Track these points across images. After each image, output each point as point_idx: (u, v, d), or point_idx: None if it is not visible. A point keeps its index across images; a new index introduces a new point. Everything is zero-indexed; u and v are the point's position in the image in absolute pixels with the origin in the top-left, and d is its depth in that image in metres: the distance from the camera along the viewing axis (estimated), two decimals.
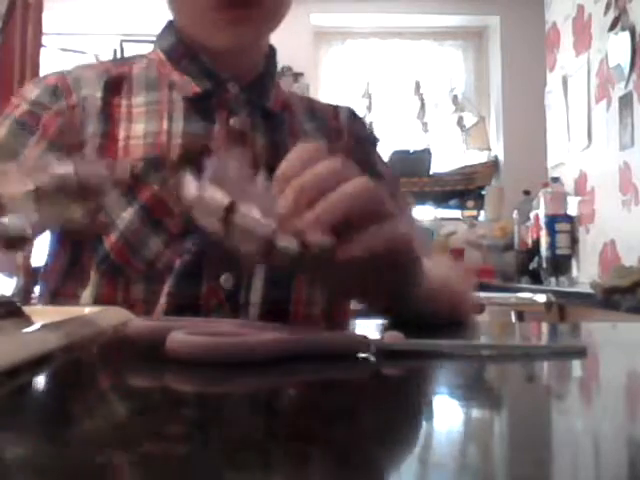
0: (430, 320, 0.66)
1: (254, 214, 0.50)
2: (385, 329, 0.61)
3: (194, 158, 0.72)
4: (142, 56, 0.90)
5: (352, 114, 0.98)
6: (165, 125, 0.80)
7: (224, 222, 0.50)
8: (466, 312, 0.80)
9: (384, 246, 0.53)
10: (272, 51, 0.91)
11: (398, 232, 0.55)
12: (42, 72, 3.27)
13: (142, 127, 0.80)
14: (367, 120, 3.92)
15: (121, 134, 0.80)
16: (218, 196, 0.50)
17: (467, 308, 0.81)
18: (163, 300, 0.77)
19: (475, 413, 0.35)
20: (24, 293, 0.92)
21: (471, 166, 3.91)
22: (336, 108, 0.98)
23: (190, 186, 0.51)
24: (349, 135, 0.95)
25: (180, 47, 0.85)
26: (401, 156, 3.75)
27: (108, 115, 0.81)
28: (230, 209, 0.50)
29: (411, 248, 0.59)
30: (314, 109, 0.96)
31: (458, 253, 3.58)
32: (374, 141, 0.99)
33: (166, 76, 0.85)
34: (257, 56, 0.88)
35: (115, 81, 0.84)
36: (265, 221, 0.50)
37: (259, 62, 0.88)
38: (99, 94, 0.82)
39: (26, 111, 0.82)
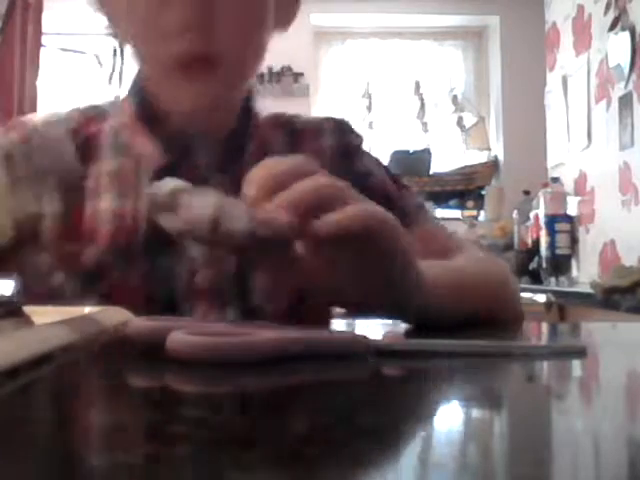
0: (461, 322, 0.63)
1: (197, 201, 0.51)
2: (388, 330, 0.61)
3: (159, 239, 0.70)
4: (115, 104, 0.85)
5: (340, 128, 0.92)
6: (130, 203, 0.76)
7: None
8: (504, 313, 0.76)
9: (355, 225, 0.51)
10: (248, 101, 0.84)
11: (369, 211, 0.53)
12: (42, 72, 3.27)
13: (108, 203, 0.77)
14: (363, 127, 3.92)
15: (88, 209, 0.77)
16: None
17: (506, 308, 0.77)
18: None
19: (475, 413, 0.35)
20: (24, 293, 0.92)
21: (471, 166, 3.91)
22: (321, 125, 0.91)
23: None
24: (334, 152, 0.89)
25: (147, 109, 0.80)
26: (401, 156, 3.75)
27: (74, 185, 0.77)
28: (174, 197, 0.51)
29: (391, 234, 0.55)
30: (294, 134, 0.89)
31: None
32: (363, 151, 0.95)
33: (133, 143, 0.80)
34: (228, 112, 0.82)
35: (84, 145, 0.80)
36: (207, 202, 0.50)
37: (231, 118, 0.82)
38: (67, 161, 0.78)
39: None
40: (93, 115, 0.83)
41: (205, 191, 0.52)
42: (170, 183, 0.52)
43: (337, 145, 0.90)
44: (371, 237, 0.53)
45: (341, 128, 0.93)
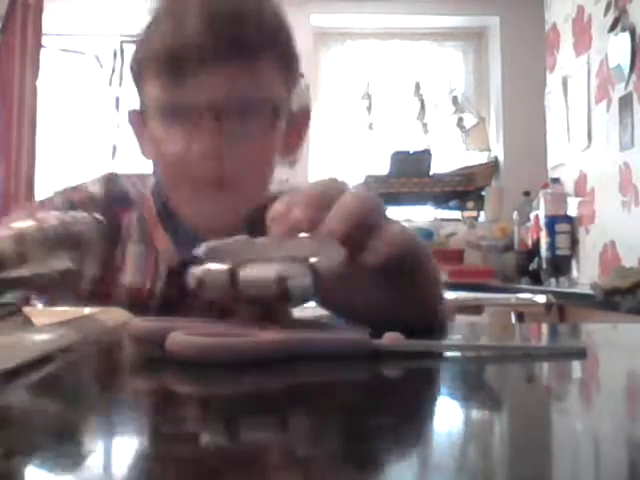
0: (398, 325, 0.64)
1: (256, 271, 0.49)
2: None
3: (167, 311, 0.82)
4: (143, 196, 0.93)
5: None
6: (148, 284, 0.89)
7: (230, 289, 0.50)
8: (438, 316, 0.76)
9: (394, 251, 0.53)
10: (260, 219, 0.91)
11: (404, 235, 0.55)
12: (42, 73, 3.27)
13: (129, 279, 0.89)
14: (363, 128, 3.91)
15: (113, 280, 0.89)
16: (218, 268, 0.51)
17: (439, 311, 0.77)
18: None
19: (475, 414, 0.35)
20: (24, 294, 0.94)
21: (471, 167, 3.91)
22: None
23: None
24: None
25: (167, 210, 0.90)
26: (401, 157, 3.75)
27: (105, 260, 0.89)
28: (232, 275, 0.50)
29: (422, 255, 0.59)
30: None
31: (458, 254, 3.58)
32: None
33: (154, 237, 0.91)
34: (239, 226, 0.87)
35: (113, 227, 0.90)
36: (268, 272, 0.49)
37: (241, 231, 0.89)
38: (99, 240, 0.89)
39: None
40: (122, 202, 0.93)
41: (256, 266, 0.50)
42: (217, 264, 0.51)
43: None
44: (405, 261, 0.55)
45: None
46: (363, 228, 0.52)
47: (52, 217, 0.86)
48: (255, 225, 0.90)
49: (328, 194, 0.52)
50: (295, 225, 0.51)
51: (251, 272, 0.49)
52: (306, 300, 0.50)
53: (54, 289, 0.87)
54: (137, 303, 0.86)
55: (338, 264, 0.49)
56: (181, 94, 0.80)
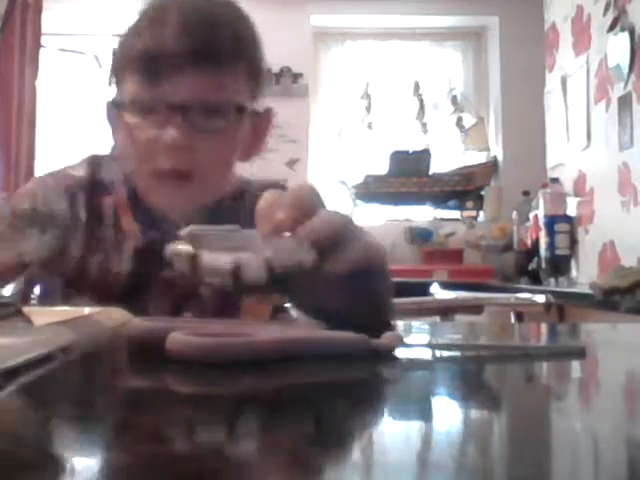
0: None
1: (215, 259, 0.58)
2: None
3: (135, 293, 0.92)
4: (118, 181, 0.98)
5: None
6: (115, 266, 0.94)
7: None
8: (388, 316, 0.79)
9: (362, 260, 0.65)
10: (224, 207, 0.99)
11: (369, 246, 0.67)
12: (41, 72, 3.27)
13: (97, 261, 0.94)
14: (363, 128, 3.91)
15: (89, 262, 0.95)
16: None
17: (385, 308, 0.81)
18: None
19: (475, 413, 0.35)
20: (23, 294, 0.95)
21: (470, 167, 3.91)
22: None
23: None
24: None
25: (136, 196, 0.97)
26: (400, 157, 3.75)
27: (84, 240, 0.95)
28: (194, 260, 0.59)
29: (382, 263, 0.73)
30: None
31: (457, 254, 3.58)
32: None
33: (122, 220, 0.97)
34: (204, 212, 0.96)
35: (93, 210, 0.97)
36: (227, 259, 0.58)
37: (206, 217, 0.95)
38: (82, 218, 0.96)
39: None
40: (103, 186, 0.99)
41: (223, 240, 0.60)
42: (189, 237, 0.61)
43: None
44: (368, 271, 0.67)
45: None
46: (334, 239, 0.62)
47: (24, 201, 0.93)
48: (217, 214, 0.96)
49: (309, 200, 0.64)
50: (279, 225, 0.61)
51: (211, 259, 0.59)
52: (258, 291, 0.60)
53: (26, 270, 0.93)
54: (106, 285, 0.93)
55: (300, 264, 0.58)
56: (155, 92, 0.88)
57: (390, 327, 0.72)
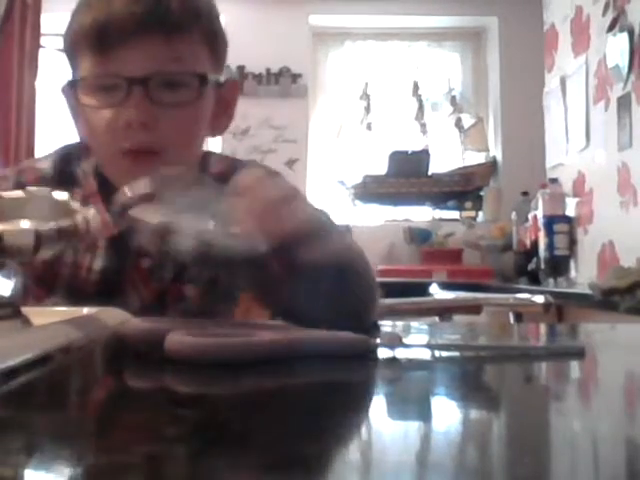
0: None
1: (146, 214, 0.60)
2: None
3: (110, 289, 0.89)
4: (86, 174, 0.95)
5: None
6: (87, 261, 0.92)
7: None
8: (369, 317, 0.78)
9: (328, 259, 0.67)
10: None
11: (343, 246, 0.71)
12: (40, 73, 3.26)
13: (72, 257, 0.91)
14: (362, 128, 3.92)
15: (58, 259, 0.91)
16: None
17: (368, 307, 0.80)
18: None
19: (474, 413, 0.35)
20: (23, 294, 0.94)
21: (469, 167, 3.91)
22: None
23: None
24: None
25: (107, 185, 0.92)
26: (399, 157, 3.75)
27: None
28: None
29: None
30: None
31: (456, 254, 3.58)
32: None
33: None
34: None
35: None
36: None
37: None
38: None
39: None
40: (70, 182, 0.94)
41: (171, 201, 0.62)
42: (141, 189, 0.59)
43: None
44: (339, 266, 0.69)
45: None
46: (306, 233, 0.65)
47: None
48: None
49: (292, 190, 0.66)
50: (258, 200, 0.63)
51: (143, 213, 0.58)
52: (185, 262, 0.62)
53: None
54: (77, 281, 0.90)
55: (243, 251, 0.58)
56: (109, 67, 0.84)
57: (376, 327, 0.72)
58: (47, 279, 0.90)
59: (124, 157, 0.86)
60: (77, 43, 0.86)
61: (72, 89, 0.89)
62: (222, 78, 0.93)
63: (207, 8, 0.91)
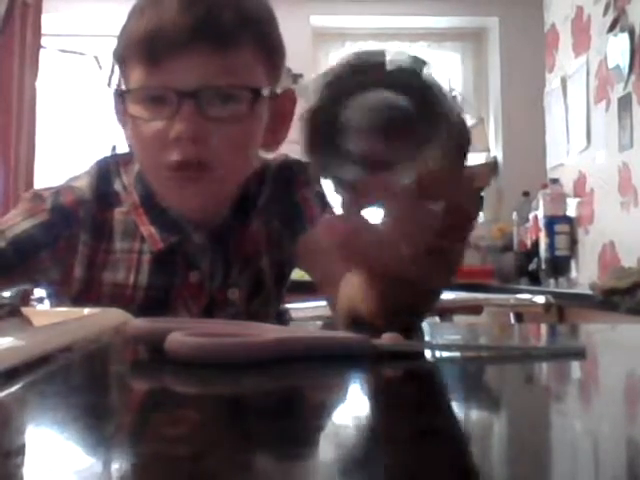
0: None
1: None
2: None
3: (156, 308, 0.87)
4: (126, 189, 0.93)
5: (298, 174, 0.98)
6: (132, 279, 0.90)
7: None
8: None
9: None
10: (244, 197, 0.94)
11: None
12: (41, 73, 3.26)
13: (112, 276, 0.90)
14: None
15: (96, 279, 0.90)
16: None
17: None
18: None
19: (474, 414, 0.35)
20: (23, 294, 0.94)
21: (470, 167, 3.90)
22: (295, 179, 0.98)
23: None
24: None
25: (150, 200, 0.91)
26: None
27: (89, 258, 0.90)
28: None
29: None
30: (289, 210, 0.97)
31: None
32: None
33: (139, 226, 0.92)
34: (222, 206, 0.92)
35: (98, 225, 0.91)
36: None
37: (225, 210, 0.92)
38: (84, 237, 0.90)
39: (47, 221, 0.90)
40: (110, 200, 0.93)
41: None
42: None
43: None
44: None
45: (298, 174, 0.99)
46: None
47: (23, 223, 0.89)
48: (238, 208, 0.93)
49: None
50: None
51: None
52: None
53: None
54: (122, 299, 0.87)
55: None
56: (158, 79, 0.82)
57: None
58: (84, 299, 0.88)
59: (172, 170, 0.83)
60: (127, 53, 0.85)
61: (120, 98, 0.87)
62: (278, 89, 0.90)
63: (263, 15, 0.88)
